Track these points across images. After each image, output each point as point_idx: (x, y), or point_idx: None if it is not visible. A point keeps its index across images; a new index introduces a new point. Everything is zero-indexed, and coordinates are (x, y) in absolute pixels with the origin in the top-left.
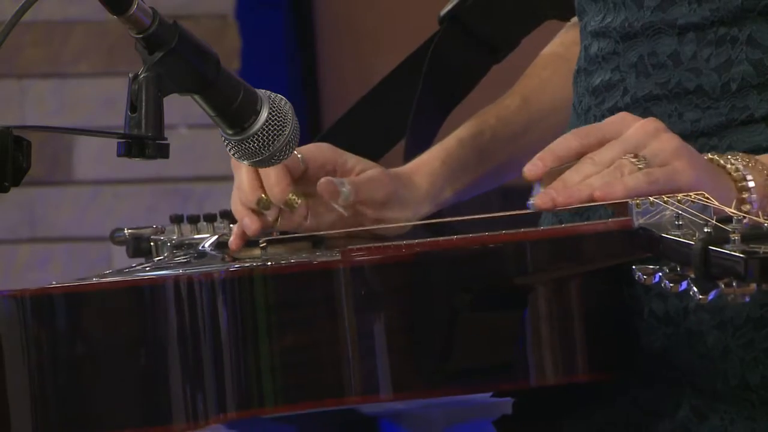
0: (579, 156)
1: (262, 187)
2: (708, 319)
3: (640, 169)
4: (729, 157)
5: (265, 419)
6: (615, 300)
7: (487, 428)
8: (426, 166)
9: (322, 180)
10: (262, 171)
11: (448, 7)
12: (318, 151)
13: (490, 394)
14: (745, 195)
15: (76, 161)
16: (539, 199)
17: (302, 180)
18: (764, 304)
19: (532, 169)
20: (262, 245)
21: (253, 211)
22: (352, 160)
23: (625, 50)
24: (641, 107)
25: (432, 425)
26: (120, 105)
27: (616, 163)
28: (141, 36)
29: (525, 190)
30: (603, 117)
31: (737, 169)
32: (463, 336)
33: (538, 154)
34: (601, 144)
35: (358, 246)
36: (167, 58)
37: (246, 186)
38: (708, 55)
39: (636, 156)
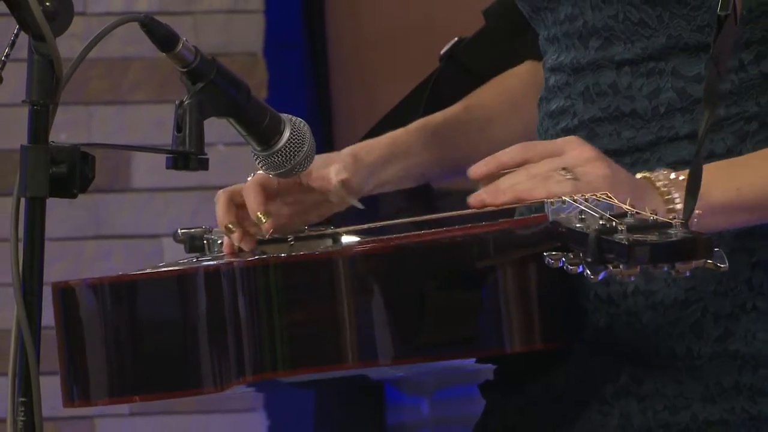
0: (520, 165)
1: (235, 212)
2: (643, 301)
3: (567, 180)
4: (658, 174)
5: (287, 386)
6: (564, 283)
7: (471, 391)
8: (374, 142)
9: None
10: (245, 194)
11: (447, 47)
12: None
13: (473, 360)
14: (671, 206)
15: (134, 172)
16: (472, 198)
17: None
18: (688, 288)
19: (475, 170)
20: (290, 242)
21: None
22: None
23: (574, 81)
24: (587, 128)
25: (424, 388)
26: (169, 127)
27: (547, 175)
28: (185, 70)
29: None
30: (557, 135)
31: (664, 185)
32: (437, 312)
33: (484, 159)
34: (541, 158)
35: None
36: (207, 88)
37: (219, 217)
38: (641, 84)
39: (566, 170)
